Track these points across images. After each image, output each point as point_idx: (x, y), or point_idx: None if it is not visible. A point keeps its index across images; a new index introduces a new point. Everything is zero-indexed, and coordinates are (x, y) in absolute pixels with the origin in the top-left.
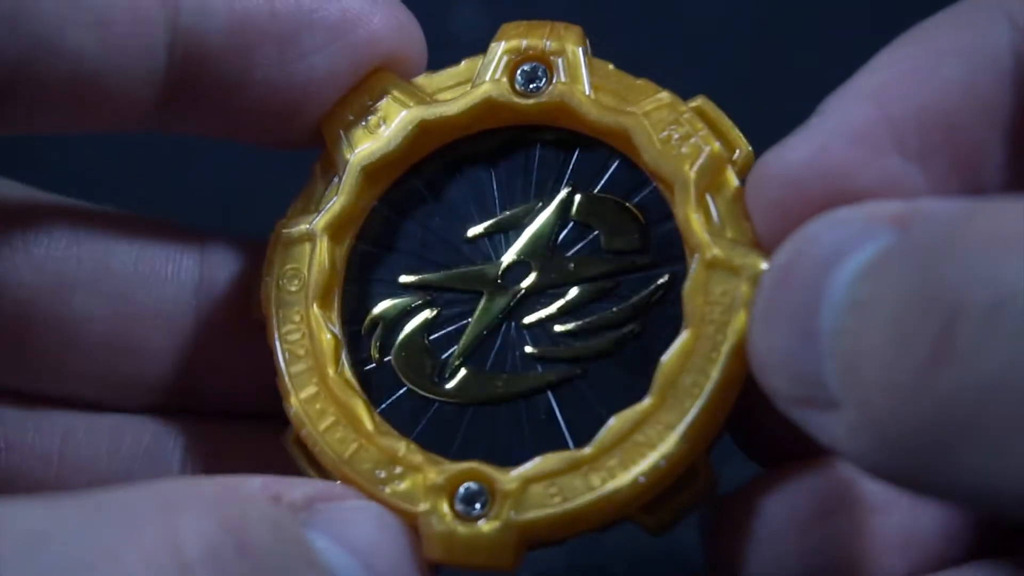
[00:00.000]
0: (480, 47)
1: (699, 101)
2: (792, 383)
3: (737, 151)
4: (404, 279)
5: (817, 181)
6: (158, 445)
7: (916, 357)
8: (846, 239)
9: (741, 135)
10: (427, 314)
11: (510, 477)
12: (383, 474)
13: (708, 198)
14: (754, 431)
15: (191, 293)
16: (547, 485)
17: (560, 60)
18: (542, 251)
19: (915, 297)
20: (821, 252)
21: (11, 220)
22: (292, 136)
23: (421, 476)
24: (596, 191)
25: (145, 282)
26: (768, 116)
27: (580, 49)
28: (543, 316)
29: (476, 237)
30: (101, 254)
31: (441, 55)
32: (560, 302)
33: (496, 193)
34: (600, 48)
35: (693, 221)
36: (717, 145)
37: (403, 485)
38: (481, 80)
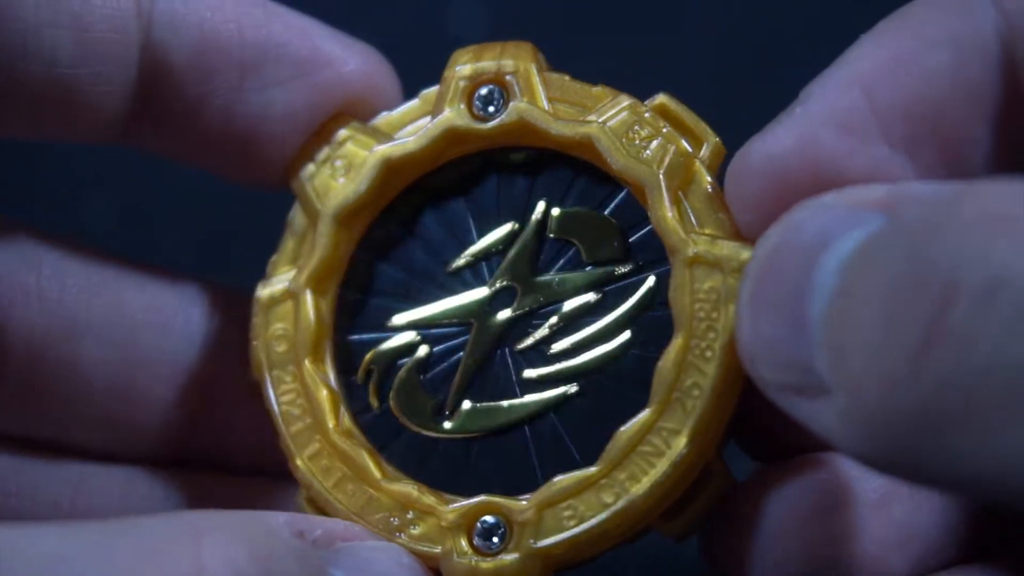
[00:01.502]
0: (478, 42)
1: (660, 99)
2: (781, 371)
3: (705, 145)
4: (393, 321)
5: (803, 171)
6: (169, 497)
7: (907, 341)
8: (832, 225)
9: (707, 128)
10: (420, 353)
11: (523, 506)
12: (397, 521)
13: (681, 196)
14: (752, 427)
15: (199, 344)
16: (561, 508)
17: (514, 79)
18: (524, 273)
19: (905, 280)
20: (807, 239)
21: (24, 263)
22: (251, 170)
23: (435, 518)
24: (569, 205)
25: (154, 331)
26: (752, 110)
27: (533, 66)
28: (535, 339)
29: (458, 269)
30: (112, 300)
31: (439, 56)
32: (550, 322)
33: (471, 222)
34: (593, 49)
35: (668, 221)
36: (682, 142)
37: (419, 529)
38: (440, 111)
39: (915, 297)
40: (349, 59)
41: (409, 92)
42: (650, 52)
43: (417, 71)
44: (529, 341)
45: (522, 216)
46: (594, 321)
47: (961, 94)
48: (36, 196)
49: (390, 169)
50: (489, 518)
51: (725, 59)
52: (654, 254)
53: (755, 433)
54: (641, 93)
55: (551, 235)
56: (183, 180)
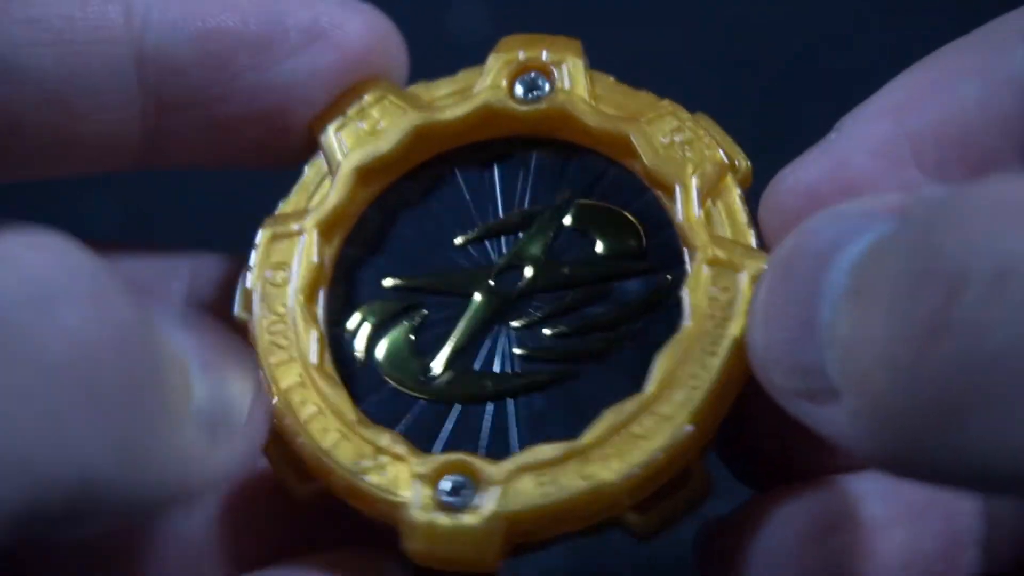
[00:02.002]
0: (479, 48)
1: (699, 116)
2: (791, 376)
3: (737, 163)
4: (392, 282)
5: (836, 194)
6: None
7: (913, 333)
8: (844, 231)
9: (740, 150)
10: (415, 316)
11: (496, 467)
12: (365, 464)
13: (710, 203)
14: (746, 452)
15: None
16: (537, 475)
17: (560, 69)
18: (536, 256)
19: (913, 274)
20: (819, 245)
21: None
22: (287, 146)
23: (404, 466)
24: (593, 199)
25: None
26: (770, 133)
27: (581, 60)
28: (535, 318)
29: (469, 242)
30: None
31: (438, 56)
32: (552, 306)
33: (491, 200)
34: (596, 54)
35: (695, 221)
36: (720, 153)
37: (386, 475)
38: (480, 88)
39: (923, 289)
40: (350, 17)
41: None
42: (651, 52)
43: (417, 71)
44: (527, 320)
45: (544, 202)
46: (597, 311)
47: (992, 122)
48: (38, 193)
49: (419, 135)
50: (459, 476)
51: (726, 57)
52: (671, 257)
53: (752, 459)
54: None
55: (570, 225)
56: (183, 180)
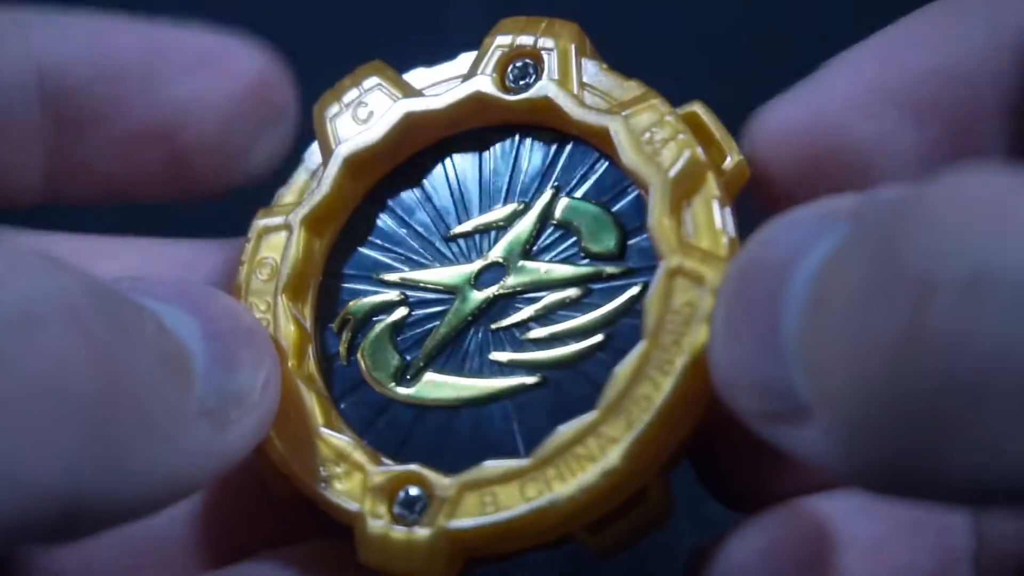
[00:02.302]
0: (476, 43)
1: (693, 106)
2: (759, 397)
3: (728, 158)
4: (380, 276)
5: (810, 136)
6: None
7: (885, 344)
8: (801, 238)
9: (734, 143)
10: (398, 313)
11: (447, 483)
12: (326, 472)
13: (685, 205)
14: (720, 472)
15: None
16: (483, 493)
17: (550, 56)
18: (518, 254)
19: (875, 282)
20: (777, 254)
21: None
22: (187, 175)
23: (363, 476)
24: (580, 194)
25: None
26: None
27: (572, 46)
28: (512, 321)
29: (457, 236)
30: None
31: (440, 56)
32: (529, 308)
33: (482, 192)
34: (598, 44)
35: (662, 226)
36: (698, 150)
37: (344, 484)
38: (472, 75)
39: (889, 298)
40: (240, 52)
41: None
42: (652, 51)
43: (418, 64)
44: (505, 323)
45: (532, 196)
46: (572, 316)
47: (985, 73)
48: None
49: (410, 124)
50: (413, 489)
51: (728, 55)
52: (648, 260)
53: (729, 481)
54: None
55: (555, 221)
56: None
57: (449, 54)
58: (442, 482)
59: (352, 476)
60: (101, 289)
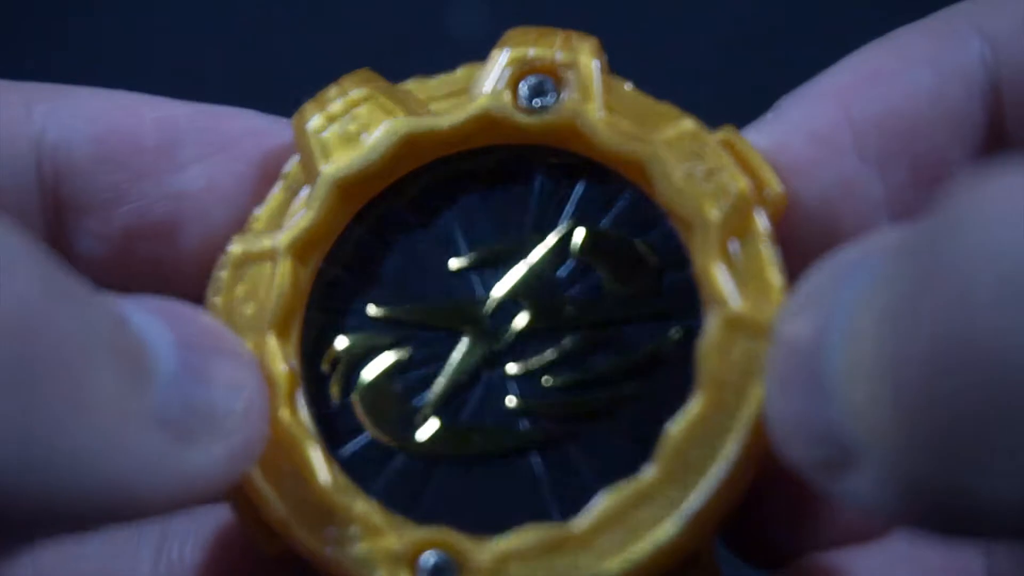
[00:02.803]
0: (478, 46)
1: (725, 132)
2: (810, 446)
3: (766, 190)
4: (375, 311)
5: None
6: None
7: (922, 359)
8: (838, 280)
9: (772, 172)
10: (399, 353)
11: (484, 551)
12: (336, 533)
13: (732, 245)
14: (755, 535)
15: None
16: (528, 564)
17: (571, 73)
18: (537, 290)
19: (910, 295)
20: (818, 298)
21: None
22: (178, 271)
23: (379, 540)
24: (603, 226)
25: None
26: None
27: (595, 63)
28: (533, 365)
29: (462, 269)
30: None
31: (440, 56)
32: (553, 350)
33: (489, 221)
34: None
35: (714, 271)
36: (745, 184)
37: (358, 549)
38: (479, 91)
39: (922, 309)
40: (267, 128)
41: None
42: (652, 51)
43: (416, 68)
44: (524, 367)
45: (547, 227)
46: (602, 361)
47: (939, 115)
48: None
49: (410, 144)
50: (441, 555)
51: (728, 57)
52: (687, 301)
53: (753, 536)
54: (644, 90)
55: (575, 255)
56: None
57: (449, 53)
58: (478, 548)
59: (367, 540)
60: (37, 250)
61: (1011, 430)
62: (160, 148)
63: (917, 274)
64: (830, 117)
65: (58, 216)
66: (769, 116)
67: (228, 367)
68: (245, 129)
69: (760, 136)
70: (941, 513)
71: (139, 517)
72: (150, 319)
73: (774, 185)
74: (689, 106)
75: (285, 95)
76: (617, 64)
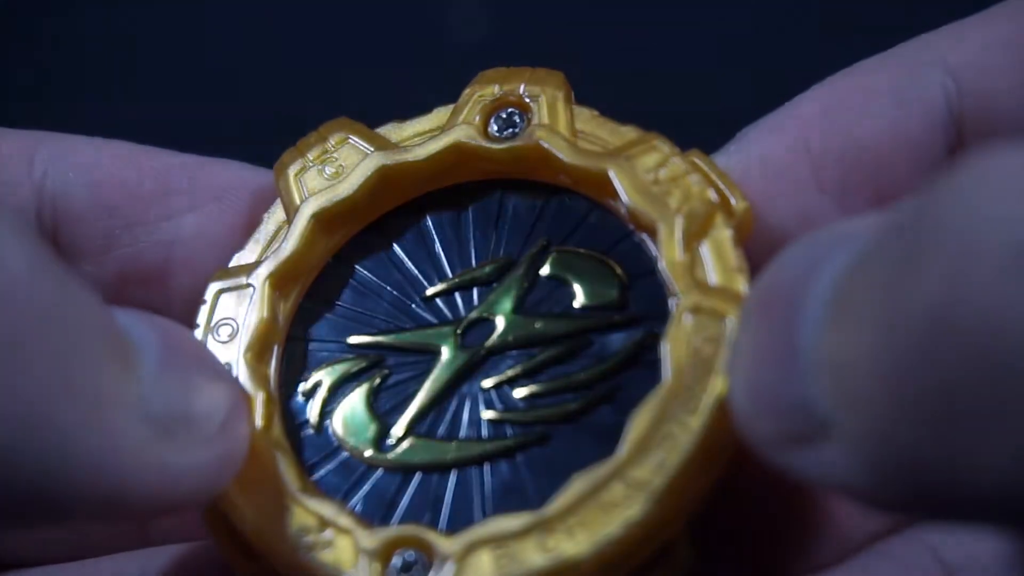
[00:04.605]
0: (478, 47)
1: (691, 154)
2: (777, 418)
3: (733, 203)
4: (353, 339)
5: None
6: None
7: (915, 330)
8: (817, 254)
9: (737, 188)
10: (374, 377)
11: (451, 542)
12: (310, 539)
13: (696, 245)
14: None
15: None
16: (496, 549)
17: (536, 104)
18: (506, 309)
19: (906, 266)
20: (794, 270)
21: None
22: (172, 306)
23: (352, 541)
24: (571, 245)
25: None
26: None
27: (561, 93)
28: (505, 378)
29: (436, 295)
30: None
31: (439, 56)
32: (524, 364)
33: (463, 249)
34: (594, 48)
35: (677, 264)
36: (709, 191)
37: (332, 551)
38: (451, 125)
39: (918, 277)
40: (254, 179)
41: (409, 92)
42: (652, 50)
43: (417, 71)
44: (496, 380)
45: (518, 250)
46: (571, 370)
47: (900, 146)
48: None
49: (385, 178)
50: (410, 551)
51: (727, 57)
52: (652, 308)
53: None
54: (644, 92)
55: (546, 274)
56: None
57: (450, 53)
58: (446, 541)
59: (339, 542)
60: (41, 243)
61: (1009, 404)
62: (153, 196)
63: (911, 245)
64: (790, 149)
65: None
66: (732, 147)
67: (208, 379)
68: (234, 180)
69: (725, 160)
70: (921, 490)
71: (123, 511)
72: (135, 320)
73: (739, 199)
74: (683, 112)
75: (286, 95)
76: (617, 64)
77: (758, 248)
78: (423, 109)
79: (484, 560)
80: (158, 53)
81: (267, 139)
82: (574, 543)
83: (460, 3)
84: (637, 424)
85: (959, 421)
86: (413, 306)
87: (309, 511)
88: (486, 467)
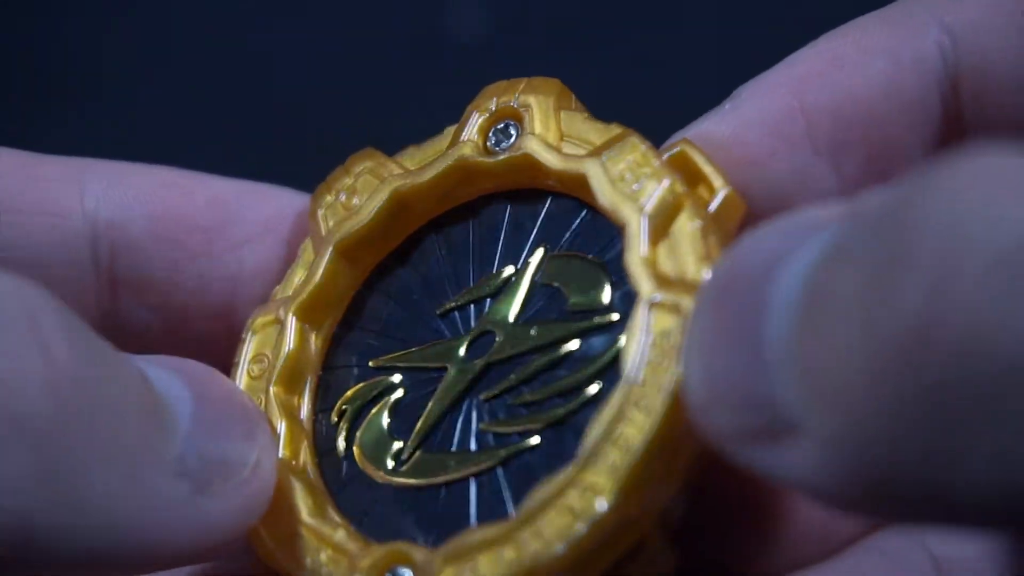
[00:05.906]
0: (478, 48)
1: (680, 144)
2: (739, 412)
3: (718, 192)
4: (375, 362)
5: (728, 168)
6: None
7: (894, 336)
8: (784, 244)
9: (721, 175)
10: (394, 396)
11: (433, 553)
12: (312, 560)
13: (666, 238)
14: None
15: None
16: (465, 562)
17: (529, 113)
18: (504, 319)
19: (885, 268)
20: (760, 258)
21: None
22: (233, 340)
23: (350, 563)
24: (563, 249)
25: None
26: None
27: (550, 100)
28: (502, 388)
29: (447, 311)
30: None
31: (439, 56)
32: (520, 372)
33: (472, 264)
34: (594, 48)
35: (637, 262)
36: (676, 180)
37: (331, 570)
38: (455, 144)
39: (899, 283)
40: (296, 204)
41: (409, 91)
42: (652, 50)
43: (417, 71)
44: (495, 391)
45: (519, 259)
46: (560, 375)
47: (894, 104)
48: None
49: (399, 202)
50: (401, 568)
51: (726, 57)
52: (628, 307)
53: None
54: (642, 91)
55: (541, 280)
56: None
57: (450, 54)
58: (427, 555)
59: (339, 562)
60: (70, 316)
61: (994, 411)
62: (213, 227)
63: (891, 247)
64: (785, 107)
65: (112, 288)
66: (727, 106)
67: (241, 423)
68: (284, 208)
69: (717, 127)
70: (894, 493)
71: (165, 562)
72: (170, 377)
73: (724, 185)
74: (690, 105)
75: (286, 96)
76: (616, 65)
77: (752, 209)
78: (423, 109)
79: (457, 572)
80: (158, 53)
81: (267, 139)
82: (537, 547)
83: (460, 2)
84: (594, 427)
85: (941, 427)
86: (430, 322)
87: (314, 533)
88: (481, 479)
